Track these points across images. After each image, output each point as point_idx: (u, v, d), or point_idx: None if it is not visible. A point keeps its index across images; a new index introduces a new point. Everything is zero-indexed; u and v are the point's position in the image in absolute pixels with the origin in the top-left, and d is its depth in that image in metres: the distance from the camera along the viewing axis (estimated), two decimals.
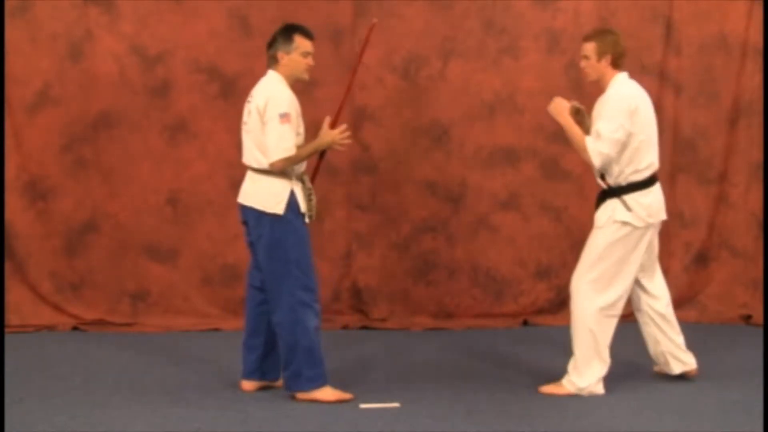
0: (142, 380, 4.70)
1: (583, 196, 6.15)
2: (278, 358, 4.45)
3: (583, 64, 4.55)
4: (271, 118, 4.16)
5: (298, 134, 4.28)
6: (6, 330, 5.39)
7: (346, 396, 4.35)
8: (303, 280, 4.27)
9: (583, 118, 4.55)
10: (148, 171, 5.94)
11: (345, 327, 6.02)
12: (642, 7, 6.18)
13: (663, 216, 4.58)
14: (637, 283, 4.63)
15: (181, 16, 5.87)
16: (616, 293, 4.47)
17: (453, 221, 6.18)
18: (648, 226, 4.48)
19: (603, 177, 4.49)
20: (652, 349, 4.78)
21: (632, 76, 6.16)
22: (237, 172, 5.53)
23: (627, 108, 4.37)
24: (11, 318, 5.71)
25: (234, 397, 4.40)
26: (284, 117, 4.16)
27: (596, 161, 4.36)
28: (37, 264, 5.89)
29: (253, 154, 4.30)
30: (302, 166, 4.35)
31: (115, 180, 5.92)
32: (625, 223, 4.42)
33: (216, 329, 5.88)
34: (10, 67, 5.73)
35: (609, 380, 4.54)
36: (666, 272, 6.16)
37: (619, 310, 4.51)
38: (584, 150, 4.38)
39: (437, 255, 6.18)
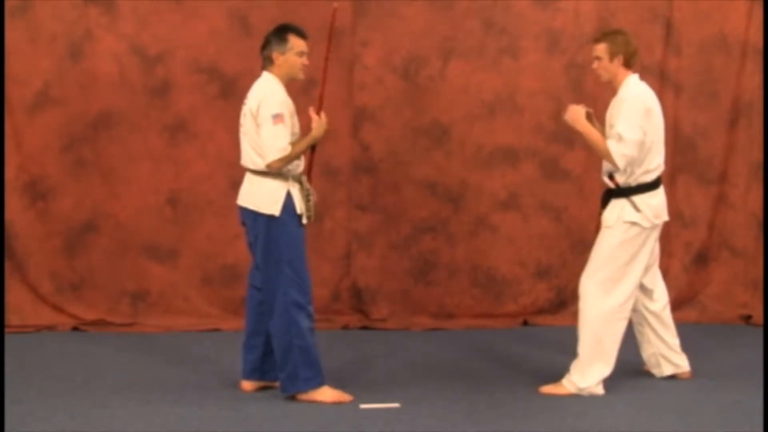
0: (142, 380, 4.69)
1: (583, 196, 6.16)
2: (273, 358, 4.46)
3: (595, 65, 4.56)
4: (265, 120, 4.18)
5: (293, 134, 4.28)
6: (6, 330, 5.40)
7: (346, 397, 4.35)
8: (296, 281, 4.27)
9: (592, 122, 4.55)
10: (148, 171, 5.94)
11: (345, 327, 6.01)
12: (642, 8, 6.18)
13: (666, 217, 4.60)
14: None
15: (181, 16, 5.87)
16: (624, 294, 4.47)
17: (453, 221, 6.18)
18: (654, 227, 4.49)
19: (611, 177, 4.50)
20: (644, 349, 4.79)
21: None
22: (237, 172, 5.53)
23: (643, 108, 4.38)
24: (11, 318, 5.70)
25: (234, 397, 4.40)
26: (277, 117, 4.16)
27: (620, 163, 4.37)
28: (37, 264, 5.88)
29: (249, 156, 4.31)
30: (299, 167, 4.34)
31: (115, 180, 5.92)
32: (633, 224, 4.43)
33: (216, 329, 5.88)
34: (10, 67, 5.72)
35: (609, 380, 4.53)
36: (666, 272, 6.21)
37: (627, 312, 4.51)
38: (607, 154, 4.38)
39: (437, 255, 6.18)
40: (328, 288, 6.01)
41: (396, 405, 4.28)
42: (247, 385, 4.50)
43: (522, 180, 6.19)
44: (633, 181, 4.45)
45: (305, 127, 4.38)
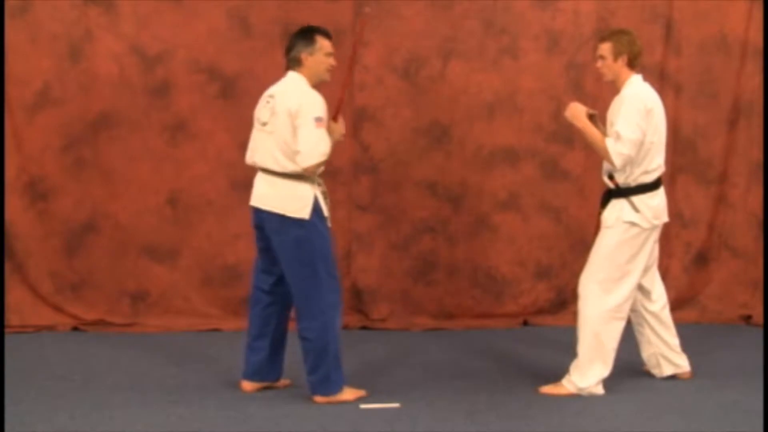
0: (142, 380, 4.69)
1: (582, 196, 6.16)
2: (281, 360, 4.47)
3: (599, 64, 4.56)
4: (307, 122, 4.13)
5: None
6: (6, 330, 5.40)
7: (362, 393, 4.39)
8: (330, 282, 4.29)
9: (596, 123, 4.55)
10: (148, 171, 5.92)
11: (345, 327, 5.92)
12: (642, 8, 6.17)
13: (666, 218, 4.60)
14: None
15: (181, 17, 5.86)
16: (622, 294, 4.47)
17: (453, 221, 6.17)
18: (653, 228, 4.49)
19: (611, 177, 4.50)
20: (644, 350, 4.80)
21: None
22: (237, 172, 5.57)
23: (643, 108, 4.38)
24: (11, 318, 5.70)
25: (234, 397, 4.40)
26: (320, 121, 4.15)
27: (617, 162, 4.36)
28: (37, 264, 5.88)
29: (273, 156, 4.22)
30: (321, 168, 4.32)
31: (115, 180, 5.90)
32: (632, 224, 4.43)
33: (216, 329, 5.88)
34: (10, 67, 5.72)
35: (609, 380, 4.54)
36: (666, 272, 6.24)
37: (625, 312, 4.51)
38: (605, 152, 4.38)
39: (437, 255, 6.18)
40: None
41: (396, 405, 4.28)
42: (248, 385, 4.50)
43: (522, 180, 6.19)
44: (632, 182, 4.45)
45: None
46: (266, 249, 4.38)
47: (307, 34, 4.32)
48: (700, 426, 4.06)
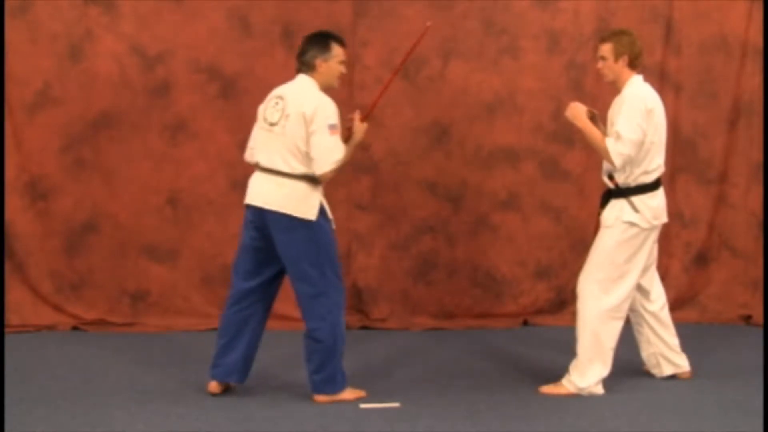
0: (142, 380, 4.69)
1: (582, 196, 6.16)
2: (253, 361, 4.45)
3: (600, 65, 4.56)
4: (321, 129, 4.13)
5: None
6: (6, 330, 5.40)
7: (361, 393, 4.41)
8: (336, 282, 4.31)
9: (596, 123, 4.55)
10: (148, 171, 5.93)
11: (345, 327, 5.99)
12: (642, 8, 6.17)
13: (665, 219, 4.59)
14: None
15: (181, 16, 5.86)
16: (621, 294, 4.47)
17: (453, 221, 6.17)
18: (652, 228, 4.49)
19: (611, 177, 4.50)
20: (643, 350, 4.79)
21: None
22: (237, 172, 5.57)
23: (644, 108, 4.38)
24: (11, 318, 5.70)
25: (234, 397, 4.40)
26: (333, 128, 4.17)
27: (618, 162, 4.36)
28: (37, 264, 5.88)
29: (283, 158, 4.19)
30: None
31: (115, 180, 5.91)
32: (632, 224, 4.43)
33: (216, 329, 5.83)
34: (10, 67, 5.72)
35: (609, 380, 4.54)
36: (666, 272, 6.24)
37: (624, 312, 4.51)
38: (605, 152, 4.38)
39: (437, 255, 6.18)
40: None
41: (396, 405, 4.27)
42: (218, 387, 4.44)
43: (522, 180, 6.19)
44: (632, 182, 4.45)
45: None
46: (260, 249, 4.34)
47: (323, 40, 4.32)
48: (700, 426, 4.05)
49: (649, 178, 4.47)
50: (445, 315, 6.18)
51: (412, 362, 5.18)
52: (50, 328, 5.81)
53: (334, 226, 4.35)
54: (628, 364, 4.86)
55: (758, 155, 6.27)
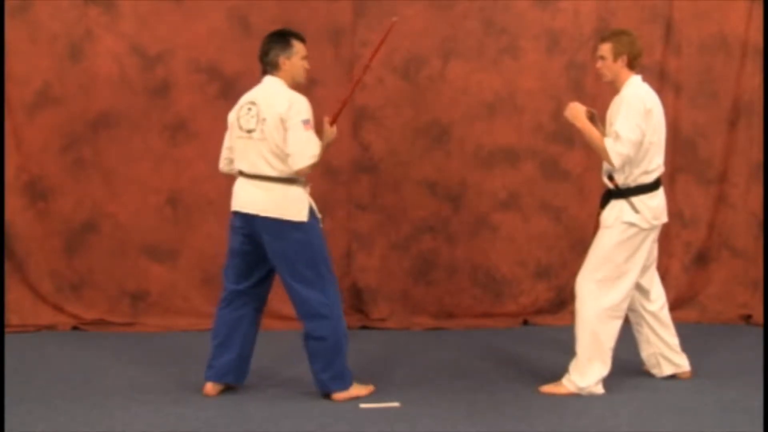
0: (142, 380, 4.69)
1: (582, 196, 6.16)
2: (250, 361, 4.45)
3: (599, 64, 4.56)
4: (296, 125, 4.14)
5: None
6: (6, 330, 5.40)
7: (371, 388, 4.46)
8: (331, 278, 4.33)
9: (595, 123, 4.54)
10: (147, 171, 5.92)
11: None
12: (642, 8, 6.17)
13: (665, 219, 4.59)
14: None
15: (181, 16, 5.85)
16: (620, 294, 4.47)
17: (453, 221, 6.17)
18: (652, 228, 4.49)
19: (611, 177, 4.49)
20: (643, 349, 4.79)
21: None
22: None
23: (643, 109, 4.37)
24: (11, 318, 5.70)
25: (234, 397, 4.39)
26: (307, 123, 4.17)
27: (616, 162, 4.36)
28: (37, 264, 5.88)
29: (267, 161, 4.20)
30: None
31: (115, 180, 5.91)
32: (631, 225, 4.43)
33: None
34: (10, 67, 5.71)
35: (609, 380, 4.53)
36: (666, 272, 6.24)
37: (623, 311, 4.51)
38: (604, 152, 4.38)
39: (437, 255, 6.17)
40: None
41: (396, 405, 4.27)
42: (214, 388, 4.43)
43: (522, 180, 6.19)
44: (632, 182, 4.45)
45: None
46: (249, 253, 4.33)
47: (283, 37, 4.33)
48: (700, 426, 4.05)
49: (649, 179, 4.47)
50: (445, 315, 6.18)
51: (412, 362, 5.18)
52: (50, 328, 5.81)
53: (321, 225, 4.36)
54: (628, 364, 4.86)
55: (758, 155, 6.26)
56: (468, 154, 6.16)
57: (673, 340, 4.76)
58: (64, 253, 5.91)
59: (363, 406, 4.27)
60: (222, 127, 5.83)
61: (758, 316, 6.17)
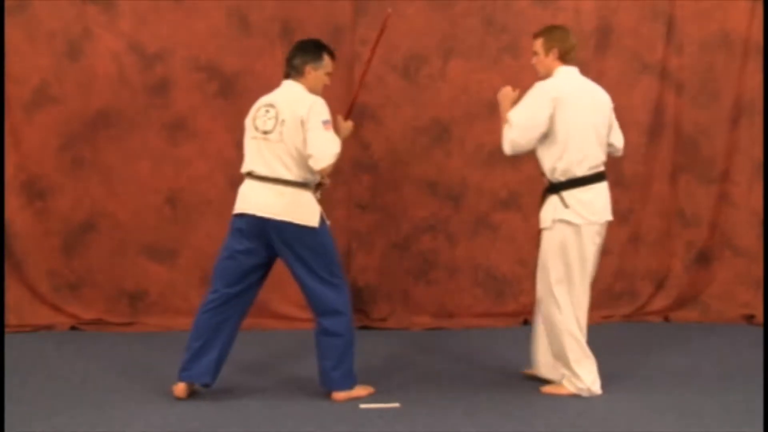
0: (141, 380, 4.67)
1: None
2: (223, 362, 4.39)
3: (533, 60, 4.53)
4: (316, 125, 4.14)
5: None
6: (4, 330, 5.37)
7: (370, 389, 4.45)
8: (344, 281, 4.36)
9: None
10: (147, 170, 5.91)
11: None
12: (643, 6, 6.14)
13: (608, 216, 4.46)
14: None
15: (180, 15, 5.84)
16: (578, 292, 4.39)
17: (453, 220, 6.15)
18: (591, 224, 4.37)
19: (544, 173, 4.43)
20: (539, 352, 4.66)
21: (633, 74, 6.18)
22: (237, 171, 5.46)
23: (546, 97, 4.30)
24: (9, 317, 5.68)
25: (233, 397, 4.38)
26: (327, 123, 4.18)
27: (505, 148, 4.36)
28: (35, 263, 5.86)
29: (285, 165, 4.19)
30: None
31: (113, 179, 5.89)
32: (566, 222, 4.34)
33: None
34: (8, 65, 5.70)
35: (609, 380, 4.52)
36: (668, 272, 6.23)
37: (586, 304, 4.42)
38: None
39: (437, 254, 6.16)
40: None
41: (396, 405, 4.25)
42: (185, 389, 4.36)
43: (522, 179, 6.15)
44: (561, 176, 4.34)
45: None
46: (249, 256, 4.30)
47: (317, 49, 4.36)
48: (700, 426, 4.03)
49: (579, 172, 4.34)
50: (445, 314, 6.16)
51: (412, 362, 5.16)
52: (48, 328, 5.79)
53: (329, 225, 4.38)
54: (627, 364, 4.85)
55: (760, 153, 6.24)
56: (468, 153, 6.14)
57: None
58: (63, 252, 5.89)
59: (363, 406, 4.25)
60: (221, 126, 5.85)
61: (761, 315, 6.13)
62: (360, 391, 4.40)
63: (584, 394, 4.42)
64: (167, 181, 5.93)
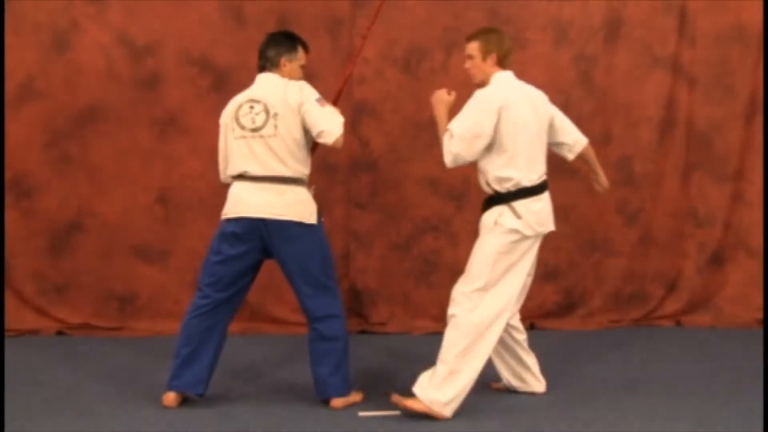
0: (130, 387, 4.59)
1: (591, 195, 5.93)
2: (214, 370, 4.29)
3: (467, 64, 4.36)
4: (313, 105, 4.14)
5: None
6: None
7: (360, 395, 4.40)
8: (336, 281, 4.33)
9: None
10: (137, 168, 5.85)
11: None
12: None
13: (551, 227, 4.31)
14: None
15: (171, 6, 5.79)
16: (500, 304, 4.16)
17: (456, 220, 6.05)
18: (537, 236, 4.21)
19: (488, 183, 4.22)
20: (500, 365, 4.52)
21: (644, 68, 6.09)
22: None
23: (488, 107, 4.11)
24: None
25: (227, 404, 4.30)
26: (321, 100, 4.18)
27: (447, 160, 4.15)
28: (20, 265, 5.78)
29: (281, 160, 4.13)
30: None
31: (102, 177, 5.83)
32: (513, 231, 4.14)
33: None
34: None
35: (611, 382, 4.53)
36: (679, 274, 6.21)
37: (502, 324, 4.20)
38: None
39: (439, 255, 6.06)
40: None
41: (396, 413, 4.17)
42: (176, 399, 4.25)
43: None
44: (512, 186, 4.15)
45: None
46: (242, 260, 4.21)
47: (291, 41, 4.33)
48: (701, 426, 3.99)
49: (529, 183, 4.16)
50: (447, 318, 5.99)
51: (413, 368, 4.98)
52: (33, 332, 5.73)
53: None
54: (637, 370, 4.80)
55: None
56: None
57: (535, 367, 4.54)
58: (49, 253, 5.82)
59: (362, 414, 4.19)
60: (214, 121, 5.64)
61: None
62: (356, 396, 4.37)
63: (433, 409, 4.05)
64: (158, 179, 5.86)
